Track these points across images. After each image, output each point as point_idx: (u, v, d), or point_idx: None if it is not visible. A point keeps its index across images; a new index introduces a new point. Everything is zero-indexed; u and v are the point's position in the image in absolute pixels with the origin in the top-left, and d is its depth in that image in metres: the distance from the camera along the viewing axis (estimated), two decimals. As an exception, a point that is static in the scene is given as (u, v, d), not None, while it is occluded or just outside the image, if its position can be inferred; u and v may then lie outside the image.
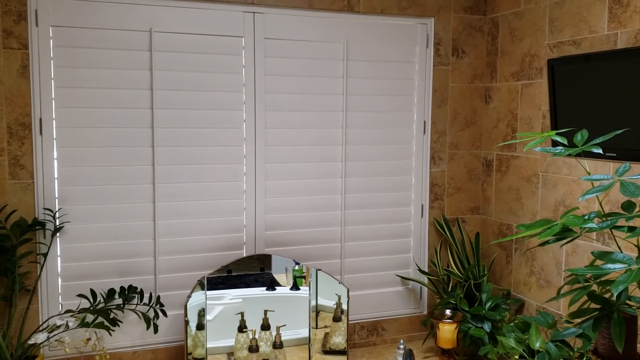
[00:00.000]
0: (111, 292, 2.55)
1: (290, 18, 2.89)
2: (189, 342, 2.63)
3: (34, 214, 2.54)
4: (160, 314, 2.68)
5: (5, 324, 2.43)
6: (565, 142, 2.14)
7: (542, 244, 2.01)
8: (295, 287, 2.82)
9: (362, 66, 3.06)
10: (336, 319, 2.84)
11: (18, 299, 2.45)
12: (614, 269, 1.79)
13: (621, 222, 1.90)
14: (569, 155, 2.05)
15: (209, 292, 2.66)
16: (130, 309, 2.59)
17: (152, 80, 2.69)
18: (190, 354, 2.63)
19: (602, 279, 1.89)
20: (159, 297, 2.67)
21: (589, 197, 1.90)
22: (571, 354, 2.31)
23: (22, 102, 2.48)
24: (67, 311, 2.53)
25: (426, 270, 3.25)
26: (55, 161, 2.57)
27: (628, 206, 1.90)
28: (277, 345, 2.72)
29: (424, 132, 3.20)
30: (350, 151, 3.07)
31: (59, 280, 2.63)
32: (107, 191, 2.66)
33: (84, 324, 2.41)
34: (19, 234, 2.44)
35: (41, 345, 2.44)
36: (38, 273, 2.54)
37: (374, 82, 3.07)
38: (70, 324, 2.42)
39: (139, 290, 2.61)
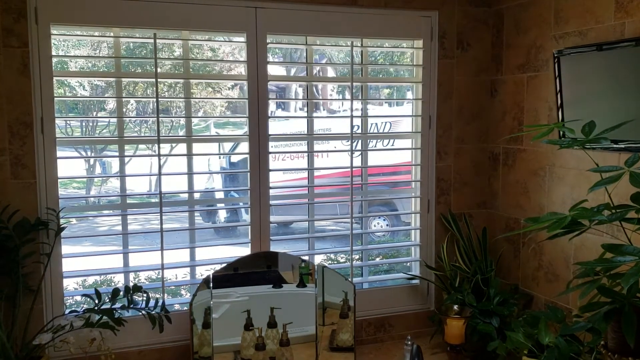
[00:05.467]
0: (116, 292, 2.54)
1: (292, 12, 2.86)
2: (195, 341, 2.61)
3: (37, 213, 2.52)
4: (164, 319, 2.65)
5: (9, 324, 2.41)
6: (573, 134, 2.11)
7: (551, 238, 1.98)
8: (301, 284, 2.81)
9: (367, 60, 3.04)
10: (343, 315, 2.82)
11: (22, 300, 2.44)
12: (624, 261, 1.76)
13: (631, 214, 1.87)
14: (577, 147, 2.02)
15: (214, 290, 2.64)
16: (135, 308, 2.57)
17: (157, 73, 2.66)
18: (197, 352, 2.62)
19: (612, 272, 1.86)
20: (164, 302, 2.64)
21: (597, 189, 1.86)
22: (581, 348, 2.29)
23: (23, 100, 2.46)
24: (72, 311, 2.52)
25: (433, 265, 3.22)
26: (57, 160, 2.56)
27: (638, 198, 1.87)
28: (284, 342, 2.70)
29: (430, 127, 3.17)
30: (357, 145, 3.04)
31: (63, 280, 2.61)
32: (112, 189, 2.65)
33: (88, 324, 2.39)
34: (22, 234, 2.42)
35: (46, 346, 2.43)
36: (42, 273, 2.53)
37: (378, 77, 3.05)
38: (75, 324, 2.41)
39: (143, 290, 2.59)
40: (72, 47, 7.76)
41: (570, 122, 2.47)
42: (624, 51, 2.33)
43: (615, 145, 2.34)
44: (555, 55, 2.65)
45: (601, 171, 1.92)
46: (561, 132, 2.59)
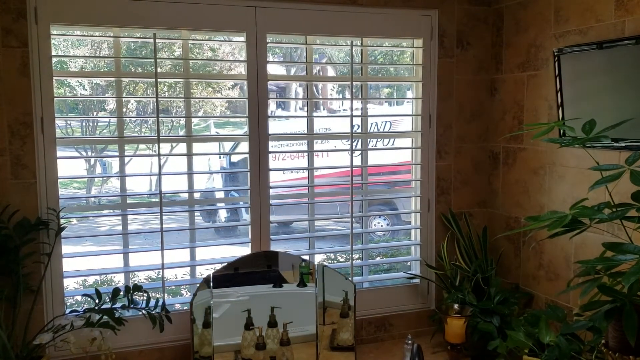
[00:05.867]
0: (116, 292, 2.54)
1: (292, 12, 2.86)
2: (196, 340, 2.61)
3: (37, 213, 2.52)
4: (165, 319, 2.64)
5: (10, 324, 2.41)
6: (573, 133, 2.10)
7: (552, 236, 1.98)
8: (302, 283, 2.80)
9: (367, 60, 3.04)
10: (343, 315, 2.82)
11: (22, 300, 2.44)
12: (625, 260, 1.76)
13: (631, 212, 1.87)
14: (577, 145, 2.02)
15: (215, 290, 2.64)
16: (136, 308, 2.57)
17: (156, 73, 2.66)
18: (197, 352, 2.61)
19: (613, 270, 1.86)
20: (164, 302, 2.64)
21: (598, 188, 1.86)
22: (582, 347, 2.29)
23: (23, 101, 2.46)
24: (72, 311, 2.52)
25: (433, 265, 3.22)
26: (58, 160, 2.56)
27: (638, 196, 1.86)
28: (284, 342, 2.70)
29: (430, 126, 3.17)
30: (356, 144, 3.04)
31: (63, 280, 2.61)
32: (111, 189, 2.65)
33: (89, 324, 2.39)
34: (22, 234, 2.42)
35: (46, 346, 2.43)
36: (42, 273, 2.53)
37: (378, 76, 3.04)
38: (75, 324, 2.40)
39: (144, 290, 2.59)
40: (73, 47, 7.77)
41: (570, 121, 2.46)
42: (625, 49, 2.33)
43: (615, 144, 2.34)
44: (556, 53, 2.65)
45: (601, 169, 1.92)
46: (561, 131, 2.59)
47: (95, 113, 9.50)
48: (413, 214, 3.29)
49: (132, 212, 2.89)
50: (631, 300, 1.77)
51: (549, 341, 2.32)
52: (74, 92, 8.33)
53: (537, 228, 1.99)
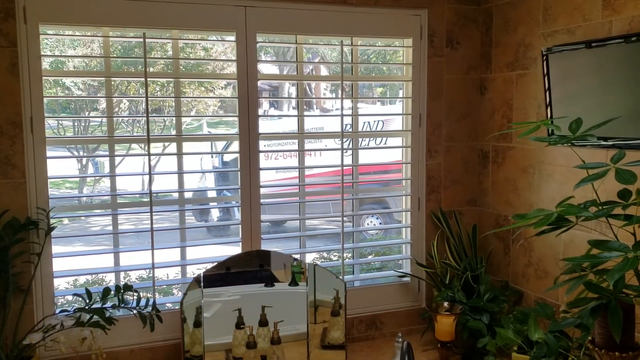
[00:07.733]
0: (106, 291, 2.53)
1: (282, 11, 2.86)
2: (187, 339, 2.61)
3: (27, 213, 2.52)
4: (155, 319, 2.64)
5: (0, 324, 2.41)
6: (560, 131, 2.12)
7: (539, 234, 1.99)
8: (293, 282, 2.81)
9: (358, 59, 3.05)
10: (334, 313, 2.82)
11: (12, 300, 2.43)
12: (610, 257, 1.77)
13: (617, 210, 1.88)
14: (564, 144, 2.03)
15: (205, 289, 2.64)
16: (126, 307, 2.57)
17: (146, 73, 2.66)
18: (188, 351, 2.62)
19: (599, 267, 1.87)
20: (155, 301, 2.64)
21: (584, 186, 1.88)
22: (570, 344, 2.30)
23: (12, 100, 2.46)
24: (62, 311, 2.52)
25: (424, 263, 3.23)
26: (48, 160, 2.55)
27: (624, 194, 1.88)
28: (275, 341, 2.71)
29: (420, 125, 3.18)
30: (347, 143, 3.05)
31: (54, 279, 2.61)
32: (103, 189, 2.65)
33: (79, 323, 2.39)
34: (12, 233, 2.41)
35: (36, 346, 2.42)
36: (32, 273, 2.52)
37: (369, 75, 3.05)
38: (66, 324, 2.40)
39: (134, 289, 2.59)
40: (67, 46, 7.72)
41: (558, 119, 2.48)
42: (613, 49, 2.34)
43: (604, 142, 2.35)
44: (544, 53, 2.66)
45: (587, 168, 1.93)
46: (549, 130, 2.60)
47: (87, 113, 9.46)
48: (404, 213, 3.30)
49: (122, 212, 2.89)
50: (616, 297, 1.79)
51: (538, 338, 2.34)
52: (67, 92, 8.29)
53: (523, 226, 2.00)
